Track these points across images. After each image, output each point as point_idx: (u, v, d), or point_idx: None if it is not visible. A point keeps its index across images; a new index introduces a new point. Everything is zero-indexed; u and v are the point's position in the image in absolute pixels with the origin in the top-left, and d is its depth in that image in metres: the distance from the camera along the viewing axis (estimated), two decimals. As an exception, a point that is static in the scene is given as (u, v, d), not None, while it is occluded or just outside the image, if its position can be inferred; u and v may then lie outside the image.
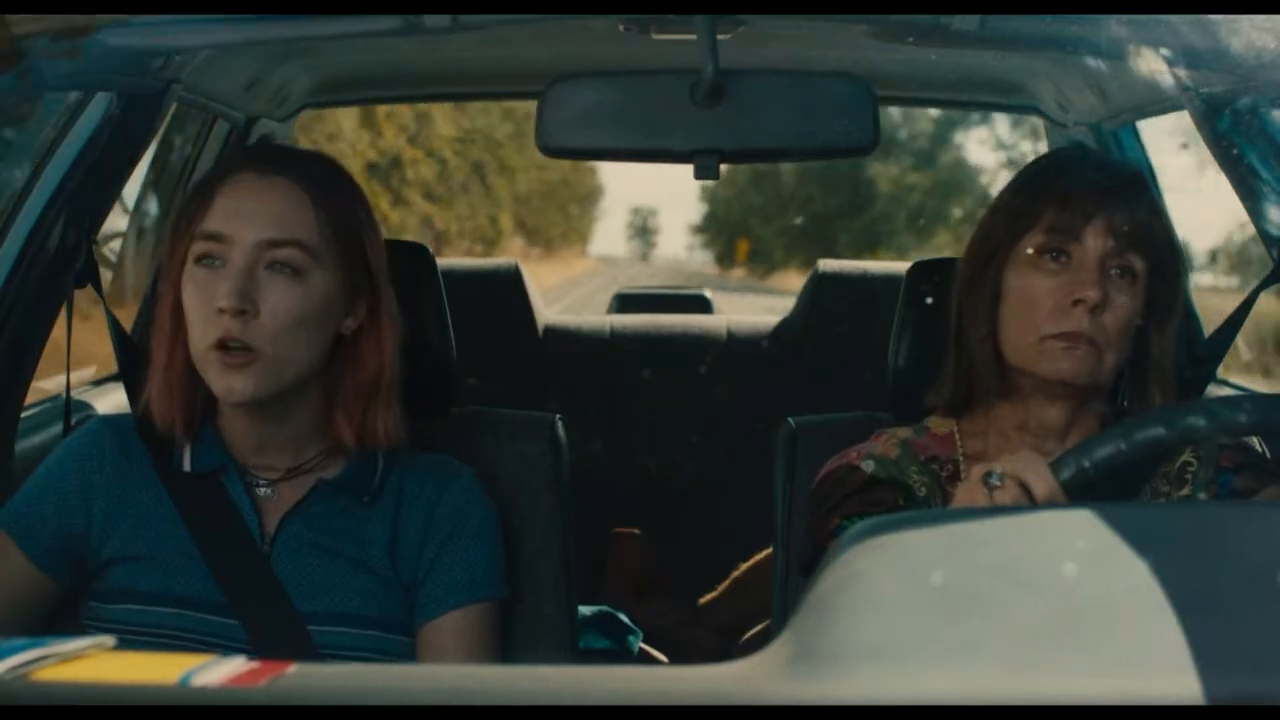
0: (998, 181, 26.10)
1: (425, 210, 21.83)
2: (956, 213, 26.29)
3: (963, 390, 1.76)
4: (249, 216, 1.64)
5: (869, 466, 1.75)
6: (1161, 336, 1.72)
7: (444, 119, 22.16)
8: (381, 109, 18.69)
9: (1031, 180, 1.76)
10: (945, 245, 25.69)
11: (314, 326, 1.65)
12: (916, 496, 1.74)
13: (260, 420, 1.70)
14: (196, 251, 1.65)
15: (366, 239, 1.70)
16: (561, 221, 38.24)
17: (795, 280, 26.46)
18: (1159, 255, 1.70)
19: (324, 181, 1.69)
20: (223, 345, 1.61)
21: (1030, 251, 1.69)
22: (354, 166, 16.73)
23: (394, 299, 1.73)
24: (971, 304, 1.74)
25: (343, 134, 18.44)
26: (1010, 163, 26.62)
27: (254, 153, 1.73)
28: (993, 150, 28.30)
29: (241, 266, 1.62)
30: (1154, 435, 1.43)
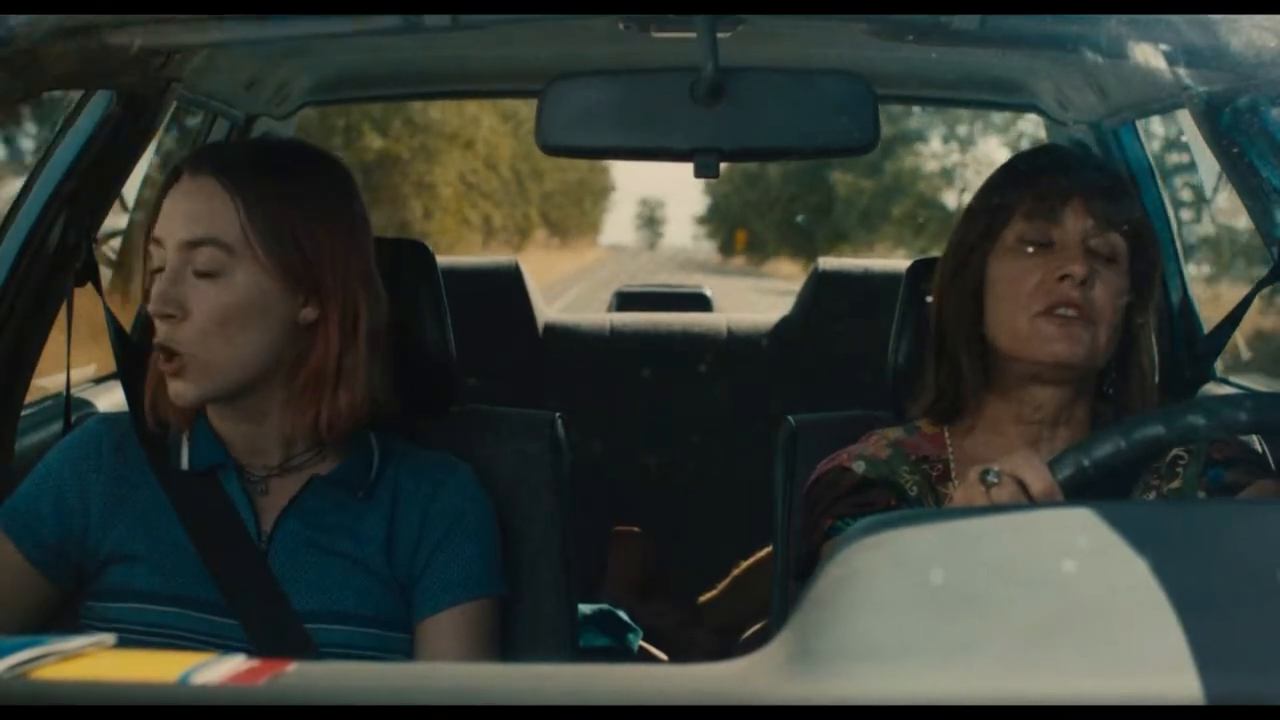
0: (932, 187, 33.27)
1: (487, 211, 27.62)
2: (896, 212, 32.31)
3: (948, 394, 1.77)
4: (173, 218, 1.64)
5: (860, 468, 1.76)
6: (1144, 322, 1.73)
7: (506, 144, 28.18)
8: (475, 141, 25.25)
9: (1006, 175, 1.78)
10: (889, 237, 31.38)
11: (245, 323, 1.63)
12: (908, 496, 1.74)
13: (243, 420, 1.70)
14: (150, 255, 1.67)
15: (302, 228, 1.66)
16: (577, 215, 44.89)
17: (786, 267, 34.47)
18: (1137, 237, 1.72)
19: (250, 175, 1.66)
20: (159, 348, 1.63)
21: (1011, 241, 1.71)
22: (456, 183, 24.20)
23: (362, 291, 1.68)
24: (954, 301, 1.75)
25: (452, 161, 24.34)
26: (942, 171, 33.73)
27: (197, 153, 1.71)
28: (928, 160, 34.30)
29: (169, 270, 1.63)
30: (1154, 433, 1.43)
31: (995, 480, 1.44)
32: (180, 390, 1.64)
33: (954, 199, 32.77)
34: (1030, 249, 1.69)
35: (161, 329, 1.62)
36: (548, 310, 3.72)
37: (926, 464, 1.77)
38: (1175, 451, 1.74)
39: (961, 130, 32.93)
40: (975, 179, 31.04)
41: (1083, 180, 1.71)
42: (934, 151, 34.05)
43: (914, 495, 1.74)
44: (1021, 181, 1.74)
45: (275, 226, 1.65)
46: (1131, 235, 1.71)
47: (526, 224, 33.94)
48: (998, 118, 30.00)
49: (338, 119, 19.30)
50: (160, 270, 1.65)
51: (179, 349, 1.62)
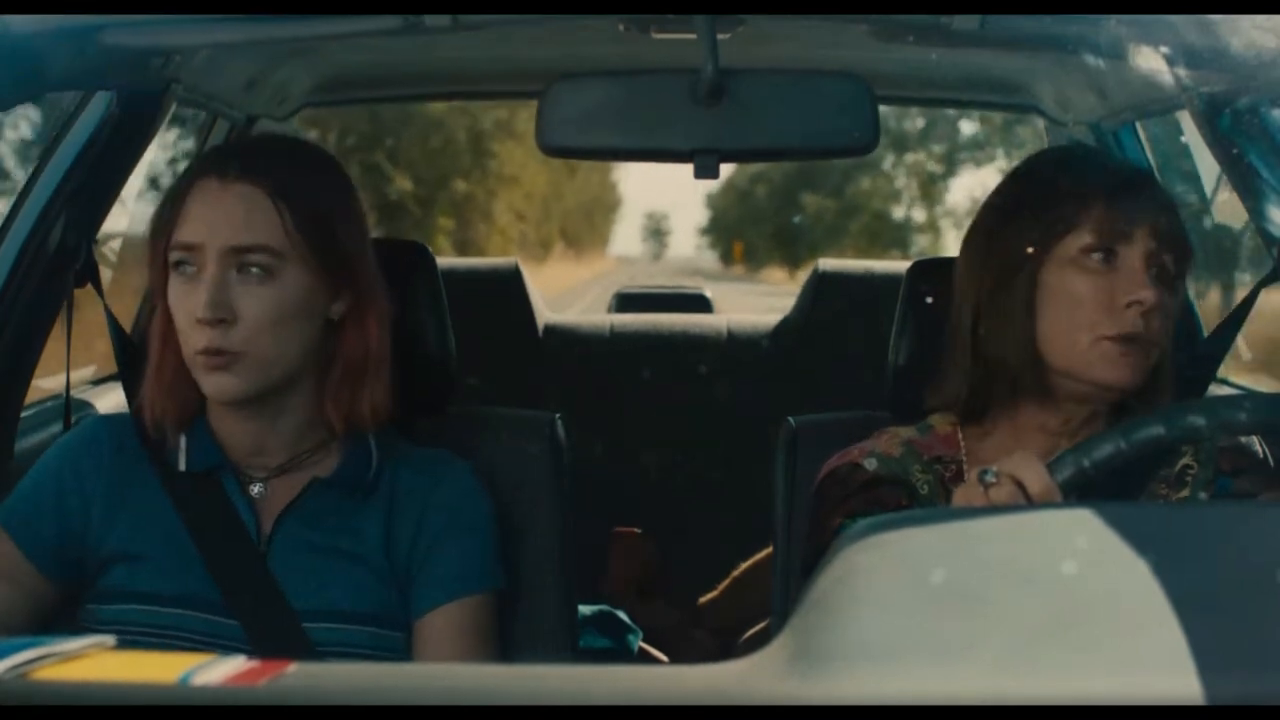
0: (884, 204, 41.14)
1: (524, 230, 35.03)
2: (854, 227, 40.02)
3: (980, 394, 1.73)
4: (215, 225, 1.64)
5: (871, 465, 1.74)
6: (1171, 335, 1.72)
7: (541, 178, 35.17)
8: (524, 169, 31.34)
9: (1062, 180, 1.72)
10: (848, 248, 37.73)
11: (294, 322, 1.66)
12: (919, 495, 1.73)
13: (255, 419, 1.70)
14: (173, 260, 1.66)
15: (338, 225, 1.69)
16: (589, 229, 53.34)
17: (778, 274, 41.55)
18: (1186, 260, 1.69)
19: (286, 177, 1.67)
20: (206, 351, 1.63)
21: (1073, 253, 1.66)
22: (508, 212, 31.58)
23: (379, 280, 1.73)
24: (1001, 305, 1.70)
25: (506, 196, 31.30)
26: (893, 194, 41.62)
27: (217, 156, 1.71)
28: (881, 183, 40.69)
29: (213, 276, 1.63)
30: (1154, 434, 1.43)
31: (993, 480, 1.44)
32: (224, 385, 1.64)
33: (901, 212, 41.60)
34: (1093, 263, 1.65)
35: (209, 334, 1.62)
36: (548, 311, 3.72)
37: (939, 464, 1.75)
38: (1184, 461, 1.73)
39: (909, 159, 39.67)
40: (914, 198, 39.54)
41: (1154, 201, 1.67)
42: (885, 174, 40.69)
43: (925, 495, 1.73)
44: (1091, 188, 1.68)
45: (316, 226, 1.67)
46: (1183, 258, 1.68)
47: (550, 239, 41.43)
48: (930, 148, 37.20)
49: (439, 172, 25.89)
50: (183, 268, 1.65)
51: (230, 349, 1.63)
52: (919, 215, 40.30)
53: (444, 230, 25.34)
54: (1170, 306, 1.67)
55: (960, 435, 1.77)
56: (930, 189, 38.56)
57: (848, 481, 1.74)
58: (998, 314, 1.71)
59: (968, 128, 35.40)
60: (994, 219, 1.75)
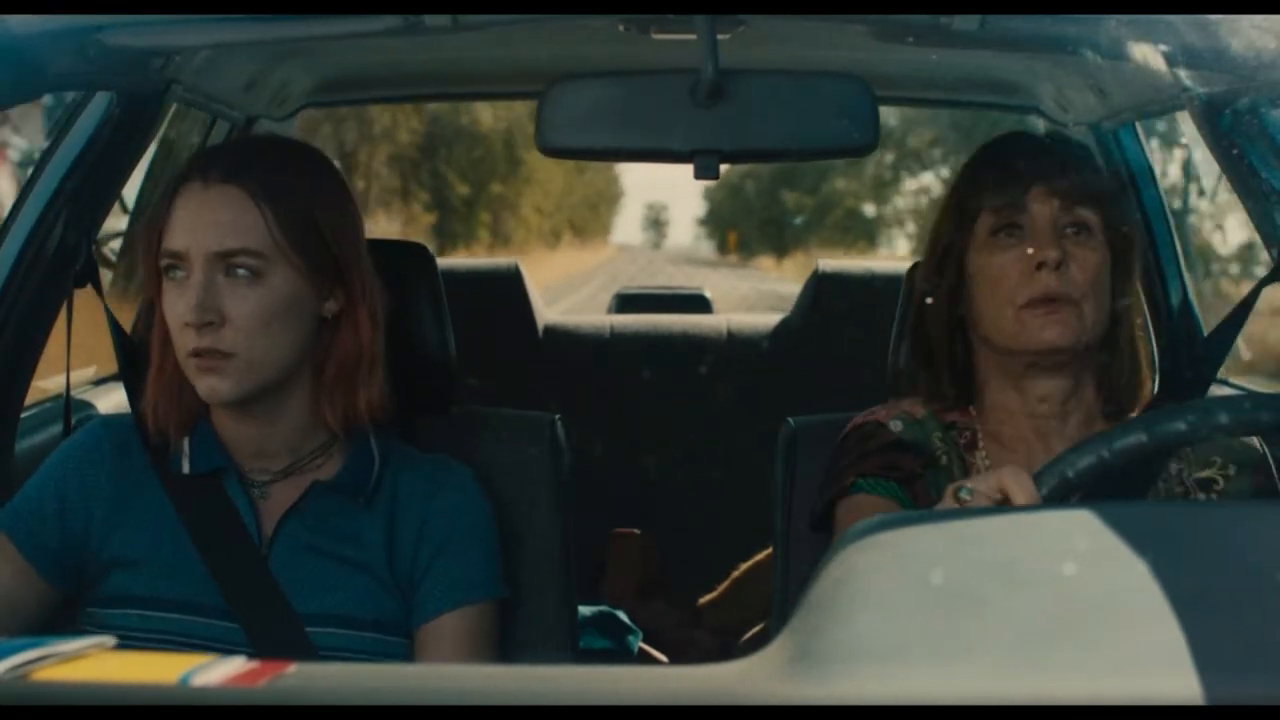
0: (857, 201, 44.46)
1: (540, 222, 39.96)
2: (829, 220, 43.92)
3: (946, 386, 1.79)
4: (200, 230, 1.64)
5: (897, 426, 1.79)
6: (1126, 289, 1.76)
7: (557, 178, 40.57)
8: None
9: (972, 169, 1.80)
10: (825, 241, 42.40)
11: (284, 323, 1.65)
12: (938, 465, 1.76)
13: (254, 421, 1.70)
14: (163, 265, 1.66)
15: (326, 226, 1.68)
16: (594, 219, 58.24)
17: (766, 262, 45.77)
18: (1108, 207, 1.74)
19: (270, 179, 1.67)
20: (196, 354, 1.63)
21: (984, 235, 1.73)
22: (530, 207, 37.03)
23: (373, 279, 1.72)
24: (937, 300, 1.78)
25: (530, 195, 36.31)
26: (864, 193, 44.31)
27: (202, 160, 1.70)
28: (853, 183, 43.59)
29: (200, 280, 1.63)
30: (1135, 441, 1.43)
31: (968, 497, 1.44)
32: (216, 387, 1.64)
33: (872, 209, 44.90)
34: (1002, 240, 1.72)
35: (198, 336, 1.62)
36: (548, 311, 3.72)
37: (955, 430, 1.80)
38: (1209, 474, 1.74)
39: (888, 158, 41.60)
40: (873, 193, 42.96)
41: (1042, 163, 1.74)
42: (856, 173, 43.36)
43: (944, 465, 1.77)
44: (985, 174, 1.77)
45: (302, 227, 1.67)
46: (1100, 206, 1.73)
47: (560, 229, 46.94)
48: (898, 148, 39.42)
49: (480, 177, 30.75)
50: (172, 273, 1.65)
51: (221, 349, 1.63)
52: (883, 212, 44.72)
53: (484, 224, 31.91)
54: (1094, 258, 1.71)
55: (972, 408, 1.80)
56: (880, 191, 42.98)
57: (870, 439, 1.78)
58: (936, 309, 1.79)
59: (913, 140, 38.44)
60: (935, 221, 1.83)
